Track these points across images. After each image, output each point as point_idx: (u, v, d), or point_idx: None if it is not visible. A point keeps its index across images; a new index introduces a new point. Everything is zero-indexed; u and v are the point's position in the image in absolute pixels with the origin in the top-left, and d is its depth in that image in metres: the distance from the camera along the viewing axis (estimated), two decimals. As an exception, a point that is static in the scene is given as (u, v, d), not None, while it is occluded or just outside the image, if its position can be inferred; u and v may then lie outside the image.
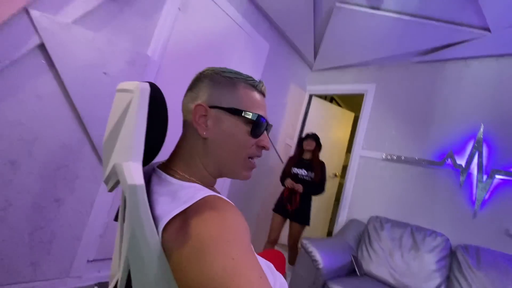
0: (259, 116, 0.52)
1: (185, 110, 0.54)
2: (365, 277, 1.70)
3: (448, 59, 2.21)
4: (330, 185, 3.26)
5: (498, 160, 1.82)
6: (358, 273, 1.70)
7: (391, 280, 1.69)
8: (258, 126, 0.52)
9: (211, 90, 0.51)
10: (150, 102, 0.44)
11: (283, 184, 2.21)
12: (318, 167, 2.16)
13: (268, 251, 1.15)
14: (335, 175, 3.27)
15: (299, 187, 2.06)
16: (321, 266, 1.47)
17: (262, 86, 0.56)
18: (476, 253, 1.61)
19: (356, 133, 2.54)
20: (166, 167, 0.52)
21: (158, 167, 0.52)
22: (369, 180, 2.36)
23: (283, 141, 2.82)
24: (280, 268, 1.07)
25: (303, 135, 2.37)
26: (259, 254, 1.11)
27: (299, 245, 2.12)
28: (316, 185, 2.12)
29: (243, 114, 0.50)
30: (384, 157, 2.30)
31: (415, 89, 2.32)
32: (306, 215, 2.13)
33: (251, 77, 0.55)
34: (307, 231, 3.15)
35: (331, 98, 3.83)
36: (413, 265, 1.69)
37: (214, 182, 0.57)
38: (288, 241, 2.18)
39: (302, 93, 3.06)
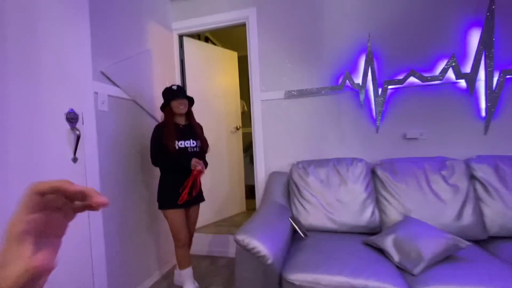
0: None
1: None
2: (310, 237, 1.50)
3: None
4: (234, 140, 2.88)
5: (387, 70, 1.82)
6: (303, 235, 1.47)
7: (332, 225, 1.57)
8: None
9: None
10: None
11: (161, 166, 1.64)
12: (201, 131, 1.74)
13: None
14: (237, 128, 2.88)
15: (202, 167, 1.61)
16: (270, 261, 1.09)
17: None
18: (391, 166, 1.64)
19: (250, 75, 2.10)
20: None
21: None
22: (276, 124, 2.07)
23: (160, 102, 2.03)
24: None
25: (163, 89, 1.67)
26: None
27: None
28: (204, 153, 1.74)
29: None
30: (285, 95, 2.01)
31: (297, 9, 1.99)
32: (201, 190, 1.75)
33: None
34: (231, 203, 2.80)
35: (205, 38, 3.15)
36: (346, 201, 1.59)
37: None
38: (189, 228, 1.72)
39: (168, 35, 2.24)
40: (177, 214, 1.58)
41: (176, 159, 1.57)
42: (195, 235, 2.31)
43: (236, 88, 2.92)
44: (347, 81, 1.88)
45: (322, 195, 1.64)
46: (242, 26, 2.19)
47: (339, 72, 1.92)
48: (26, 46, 1.08)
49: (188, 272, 1.65)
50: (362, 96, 1.86)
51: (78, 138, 1.26)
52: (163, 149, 1.55)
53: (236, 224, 2.53)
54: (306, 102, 1.99)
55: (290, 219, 1.52)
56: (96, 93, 1.43)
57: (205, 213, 2.52)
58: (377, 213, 1.58)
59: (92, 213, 1.35)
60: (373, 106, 1.86)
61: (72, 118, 1.25)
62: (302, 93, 1.97)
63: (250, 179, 3.54)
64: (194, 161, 1.56)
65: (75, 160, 1.26)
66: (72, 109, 1.25)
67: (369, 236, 1.48)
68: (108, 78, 1.53)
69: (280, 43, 2.03)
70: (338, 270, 1.09)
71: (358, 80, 1.87)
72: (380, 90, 1.83)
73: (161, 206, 1.60)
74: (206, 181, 2.54)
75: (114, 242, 1.52)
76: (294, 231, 1.52)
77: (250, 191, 3.44)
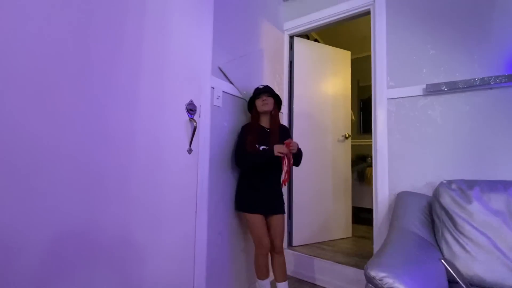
0: None
1: None
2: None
3: None
4: (341, 150, 2.49)
5: None
6: (469, 292, 0.96)
7: (524, 287, 0.97)
8: None
9: None
10: None
11: (244, 166, 1.52)
12: (287, 136, 1.57)
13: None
14: (346, 137, 2.50)
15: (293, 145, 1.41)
16: (432, 323, 0.69)
17: None
18: None
19: (374, 68, 1.73)
20: None
21: None
22: (408, 130, 1.59)
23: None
24: None
25: (255, 89, 1.59)
26: None
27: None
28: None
29: None
30: (425, 91, 1.53)
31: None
32: (282, 202, 1.59)
33: None
34: (335, 225, 2.41)
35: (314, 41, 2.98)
36: (554, 252, 0.97)
37: None
38: (274, 241, 1.52)
39: (279, 35, 2.17)
40: (257, 219, 1.46)
41: (259, 154, 1.46)
42: (293, 253, 2.05)
43: (347, 91, 2.56)
44: (539, 65, 1.24)
45: (499, 234, 1.07)
46: (364, 15, 1.87)
47: (522, 54, 1.30)
48: (158, 39, 1.12)
49: (267, 283, 1.50)
50: None
51: (194, 129, 1.24)
52: (245, 151, 1.48)
53: (342, 251, 2.11)
54: (458, 98, 1.44)
55: (443, 262, 1.04)
56: (212, 87, 1.42)
57: (304, 231, 2.22)
58: None
59: (199, 210, 1.30)
60: None
61: (191, 110, 1.24)
62: (453, 87, 1.43)
63: (356, 200, 3.02)
64: (277, 147, 1.39)
65: (190, 151, 1.24)
66: (192, 100, 1.25)
67: None
68: (224, 74, 1.52)
69: (419, 23, 1.59)
70: None
71: None
72: None
73: (239, 208, 1.53)
74: (308, 194, 2.26)
75: (215, 244, 1.44)
76: (449, 280, 1.03)
77: (355, 215, 2.91)
